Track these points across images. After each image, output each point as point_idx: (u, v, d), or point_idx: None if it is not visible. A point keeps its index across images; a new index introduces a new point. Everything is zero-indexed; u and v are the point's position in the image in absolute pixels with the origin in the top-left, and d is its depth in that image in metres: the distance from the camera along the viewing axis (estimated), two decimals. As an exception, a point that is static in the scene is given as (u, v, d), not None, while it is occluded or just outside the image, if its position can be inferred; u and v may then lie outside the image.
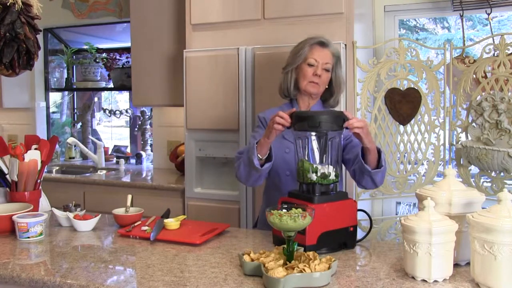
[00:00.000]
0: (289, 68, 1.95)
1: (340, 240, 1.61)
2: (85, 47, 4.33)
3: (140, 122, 4.25)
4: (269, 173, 1.90)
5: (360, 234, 1.71)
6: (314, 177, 1.59)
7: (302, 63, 1.91)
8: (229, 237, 1.78)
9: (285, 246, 1.40)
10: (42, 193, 2.13)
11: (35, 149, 2.06)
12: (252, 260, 1.39)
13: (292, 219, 1.34)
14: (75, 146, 4.24)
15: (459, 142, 2.53)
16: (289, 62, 1.96)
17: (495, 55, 2.46)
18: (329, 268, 1.32)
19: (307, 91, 1.92)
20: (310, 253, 1.37)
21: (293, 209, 1.42)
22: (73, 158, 4.29)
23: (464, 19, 2.76)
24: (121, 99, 4.98)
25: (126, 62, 4.20)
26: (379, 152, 1.72)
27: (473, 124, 2.50)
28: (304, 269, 1.28)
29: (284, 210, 1.41)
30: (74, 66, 4.46)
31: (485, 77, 2.48)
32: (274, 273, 1.27)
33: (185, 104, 2.83)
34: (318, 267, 1.30)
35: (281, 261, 1.36)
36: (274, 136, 1.71)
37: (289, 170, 1.89)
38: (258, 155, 1.74)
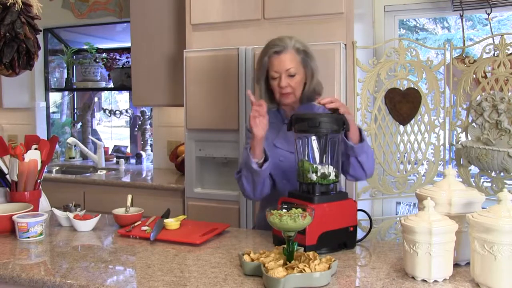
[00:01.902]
0: (259, 82, 1.90)
1: (340, 240, 1.61)
2: (85, 47, 4.33)
3: (140, 122, 4.25)
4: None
5: (360, 234, 1.71)
6: (314, 177, 1.59)
7: (268, 76, 1.85)
8: (229, 237, 1.78)
9: (285, 246, 1.40)
10: (42, 193, 2.13)
11: (35, 149, 2.06)
12: (252, 260, 1.39)
13: (292, 219, 1.34)
14: (75, 146, 4.24)
15: (459, 142, 2.53)
16: (256, 76, 1.91)
17: (495, 55, 2.46)
18: (329, 268, 1.32)
19: (283, 103, 1.87)
20: (310, 253, 1.37)
21: (293, 209, 1.42)
22: (73, 158, 4.29)
23: (464, 19, 2.76)
24: (121, 99, 4.98)
25: (126, 62, 4.20)
26: (360, 133, 1.73)
27: (473, 124, 2.50)
28: (304, 269, 1.28)
29: (284, 210, 1.41)
30: (74, 66, 4.46)
31: (485, 77, 2.48)
32: (274, 273, 1.27)
33: (185, 104, 2.83)
34: (318, 267, 1.30)
35: (281, 261, 1.36)
36: (259, 130, 1.69)
37: (286, 179, 1.87)
38: (254, 159, 1.73)
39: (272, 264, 1.33)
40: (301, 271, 1.28)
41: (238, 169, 1.88)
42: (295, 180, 1.82)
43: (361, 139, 1.72)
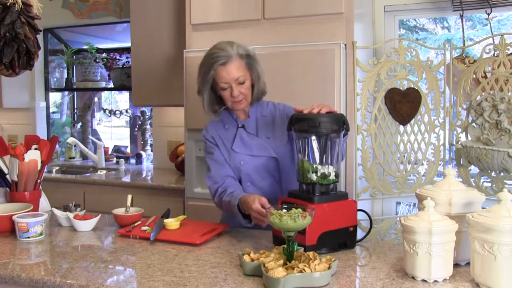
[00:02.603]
0: (202, 94, 1.89)
1: (340, 240, 1.61)
2: (85, 47, 4.33)
3: (140, 122, 4.25)
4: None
5: (360, 234, 1.71)
6: (314, 177, 1.59)
7: (217, 87, 1.84)
8: (229, 237, 1.78)
9: (285, 246, 1.40)
10: (42, 193, 2.13)
11: (35, 149, 2.06)
12: (252, 260, 1.39)
13: (292, 219, 1.34)
14: (75, 146, 4.24)
15: (459, 142, 2.53)
16: (200, 88, 1.89)
17: (495, 55, 2.46)
18: (329, 268, 1.32)
19: (237, 110, 1.90)
20: (310, 253, 1.37)
21: (293, 209, 1.42)
22: (73, 158, 4.29)
23: (464, 19, 2.76)
24: (121, 99, 4.98)
25: (126, 62, 4.20)
26: None
27: (473, 124, 2.50)
28: (304, 269, 1.28)
29: (284, 210, 1.41)
30: (74, 66, 4.46)
31: (485, 77, 2.48)
32: (274, 273, 1.27)
33: (185, 104, 2.83)
34: (318, 267, 1.30)
35: (281, 261, 1.36)
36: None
37: (249, 181, 1.88)
38: (246, 220, 1.74)
39: (272, 264, 1.33)
40: (301, 271, 1.28)
41: (215, 184, 1.87)
42: (258, 182, 1.87)
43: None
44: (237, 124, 1.94)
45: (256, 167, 1.87)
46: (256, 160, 1.87)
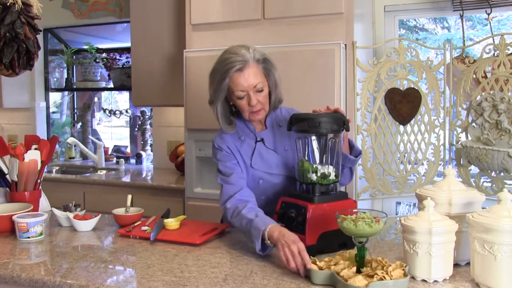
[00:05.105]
0: (215, 105, 1.75)
1: (340, 240, 1.60)
2: (85, 47, 4.33)
3: (140, 122, 4.25)
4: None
5: (360, 234, 1.71)
6: (314, 177, 1.59)
7: (232, 96, 1.71)
8: (229, 237, 1.78)
9: (351, 251, 1.37)
10: (42, 193, 2.13)
11: (35, 149, 2.06)
12: (320, 268, 1.34)
13: (367, 224, 1.31)
14: (75, 146, 4.24)
15: (459, 142, 2.53)
16: (213, 97, 1.74)
17: (495, 55, 2.46)
18: (404, 275, 1.27)
19: (254, 121, 1.78)
20: (380, 259, 1.33)
21: (361, 213, 1.37)
22: (73, 158, 4.29)
23: (464, 19, 2.76)
24: (121, 99, 4.98)
25: (126, 62, 4.20)
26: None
27: (473, 124, 2.50)
28: (384, 277, 1.24)
29: (354, 216, 1.36)
30: (74, 66, 4.46)
31: (485, 77, 2.48)
32: (355, 282, 1.23)
33: (185, 104, 2.83)
34: (393, 273, 1.27)
35: (354, 269, 1.31)
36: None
37: (264, 195, 1.82)
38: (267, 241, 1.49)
39: (347, 272, 1.29)
40: (381, 279, 1.24)
41: (228, 196, 1.71)
42: (274, 196, 1.80)
43: (355, 150, 1.77)
44: (255, 137, 1.82)
45: (274, 186, 1.81)
46: (275, 178, 1.80)
